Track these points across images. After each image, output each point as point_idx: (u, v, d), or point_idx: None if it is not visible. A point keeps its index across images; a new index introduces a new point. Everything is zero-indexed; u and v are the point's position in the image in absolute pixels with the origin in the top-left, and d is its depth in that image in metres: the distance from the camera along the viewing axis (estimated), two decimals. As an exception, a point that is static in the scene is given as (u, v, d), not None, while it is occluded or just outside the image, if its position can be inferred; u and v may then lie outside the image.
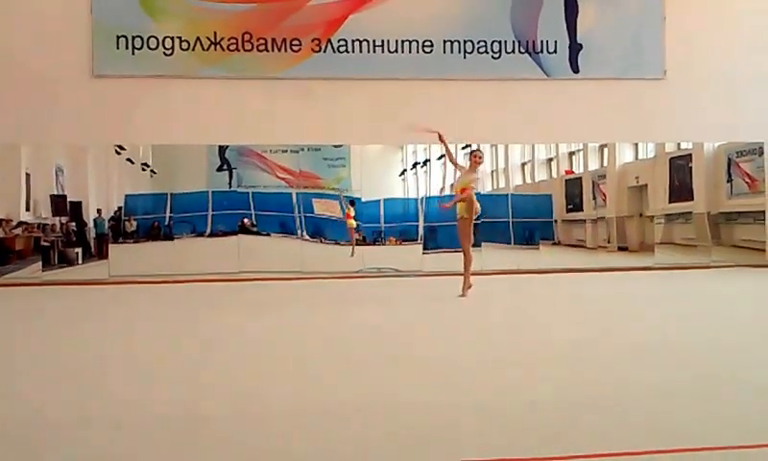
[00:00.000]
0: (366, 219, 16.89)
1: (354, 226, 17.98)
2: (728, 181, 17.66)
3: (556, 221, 19.98)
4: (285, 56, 14.73)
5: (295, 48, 14.74)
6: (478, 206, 10.67)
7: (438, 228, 18.78)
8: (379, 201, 17.20)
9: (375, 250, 16.69)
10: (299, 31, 14.73)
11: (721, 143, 17.22)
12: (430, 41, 14.83)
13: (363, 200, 16.83)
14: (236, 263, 15.25)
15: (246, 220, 16.00)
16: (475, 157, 10.83)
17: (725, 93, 15.45)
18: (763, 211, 16.11)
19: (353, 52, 14.77)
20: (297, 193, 16.16)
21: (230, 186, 16.13)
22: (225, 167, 16.10)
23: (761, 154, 16.13)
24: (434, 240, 18.53)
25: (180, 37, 14.63)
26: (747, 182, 17.12)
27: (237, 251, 15.50)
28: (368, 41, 14.77)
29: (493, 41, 14.95)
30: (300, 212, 16.19)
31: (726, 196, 17.72)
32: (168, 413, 4.36)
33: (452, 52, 14.90)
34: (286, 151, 16.08)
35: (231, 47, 14.67)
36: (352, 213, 18.01)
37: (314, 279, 14.79)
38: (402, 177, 18.99)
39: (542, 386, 4.81)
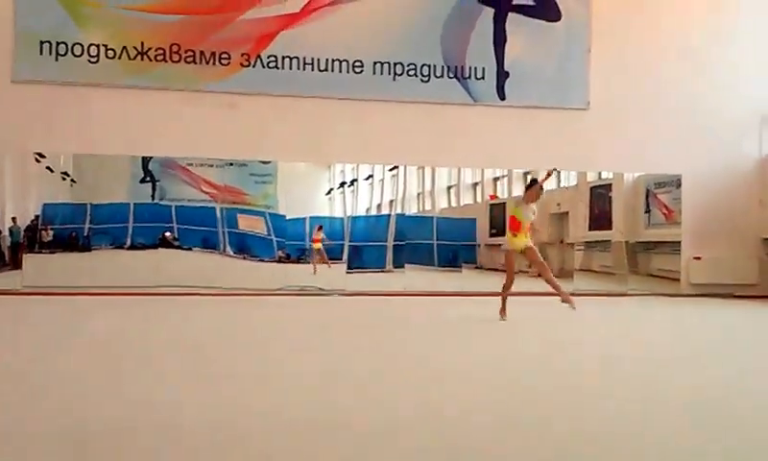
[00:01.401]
0: (291, 237, 16.79)
1: (319, 248, 17.89)
2: (646, 212, 18.13)
3: (479, 245, 20.24)
4: (213, 69, 14.60)
5: (224, 62, 14.62)
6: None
7: (363, 248, 18.81)
8: (305, 218, 17.17)
9: (299, 268, 16.58)
10: (228, 44, 14.62)
11: (640, 174, 17.67)
12: (360, 62, 14.89)
13: (287, 217, 16.73)
14: (155, 277, 14.95)
15: (168, 233, 15.73)
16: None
17: (645, 126, 15.89)
18: (679, 242, 16.56)
19: (283, 68, 14.72)
20: (221, 208, 15.96)
21: (153, 199, 15.85)
22: (148, 179, 15.82)
23: (679, 186, 16.60)
24: (359, 260, 18.54)
25: (105, 46, 14.36)
26: (664, 213, 17.60)
27: (157, 264, 15.22)
28: (298, 59, 14.75)
29: (423, 65, 15.09)
30: (223, 227, 16.00)
31: (644, 226, 18.19)
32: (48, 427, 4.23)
33: (382, 73, 14.99)
34: (212, 165, 15.89)
35: (159, 57, 14.47)
36: (321, 236, 17.94)
37: (234, 296, 14.57)
38: (329, 196, 18.96)
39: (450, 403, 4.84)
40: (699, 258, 16.13)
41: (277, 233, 16.55)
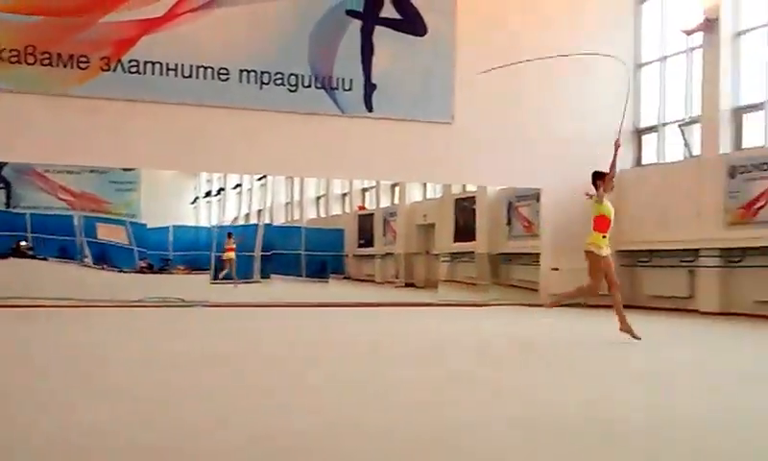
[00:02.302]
0: (153, 246, 16.38)
1: (233, 257, 17.44)
2: (507, 224, 18.70)
3: (347, 255, 20.36)
4: (72, 72, 14.05)
5: (82, 65, 14.10)
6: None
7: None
8: (168, 228, 16.77)
9: (161, 278, 16.20)
10: (87, 47, 14.11)
11: (502, 187, 18.18)
12: (226, 69, 14.68)
13: (149, 226, 16.33)
14: (5, 289, 14.21)
15: (22, 243, 15.04)
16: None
17: (507, 141, 16.33)
18: (539, 253, 17.10)
19: (145, 74, 14.33)
20: (79, 216, 15.39)
21: (8, 206, 15.15)
22: (2, 185, 15.11)
23: (539, 199, 17.15)
24: (224, 270, 18.30)
25: (-45, 44, 13.61)
26: (525, 226, 18.18)
27: (8, 275, 14.50)
28: (161, 64, 14.39)
29: (291, 74, 15.02)
30: (82, 236, 15.44)
31: (505, 238, 18.74)
32: None
33: (249, 82, 14.82)
34: (71, 172, 15.34)
35: (13, 59, 13.81)
36: (233, 245, 17.50)
37: (91, 308, 13.97)
38: (195, 204, 18.65)
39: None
40: (557, 269, 16.68)
41: (139, 243, 16.12)
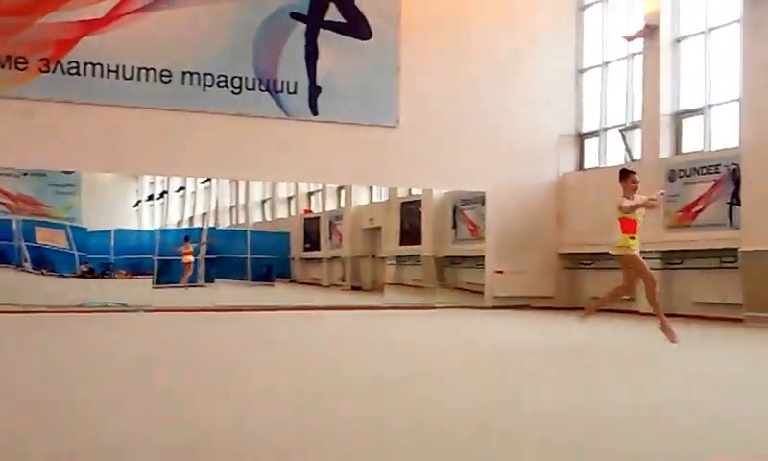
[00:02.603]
0: (94, 250, 16.07)
1: (191, 261, 17.17)
2: (453, 227, 18.77)
3: (293, 259, 20.24)
4: (9, 73, 13.75)
5: (20, 66, 13.81)
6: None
7: (172, 262, 18.32)
8: (110, 231, 16.50)
9: (103, 283, 15.89)
10: (26, 48, 13.82)
11: (448, 191, 18.27)
12: (168, 71, 14.50)
13: (90, 230, 16.01)
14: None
15: (-43, 247, 14.66)
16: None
17: (452, 144, 16.42)
18: (484, 256, 17.21)
19: (86, 75, 14.09)
20: (18, 220, 15.06)
21: (-57, 210, 14.75)
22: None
23: (483, 203, 17.27)
24: (167, 275, 18.05)
25: None
26: (470, 229, 18.27)
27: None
28: (101, 66, 14.16)
29: (234, 77, 14.90)
30: (20, 241, 15.10)
31: (451, 241, 18.81)
32: None
33: (191, 83, 14.67)
34: (8, 174, 14.99)
35: (-54, 59, 13.48)
36: (191, 249, 17.23)
37: (30, 313, 13.66)
38: (137, 208, 18.35)
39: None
40: (501, 272, 16.83)
41: (80, 247, 15.80)
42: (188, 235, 17.71)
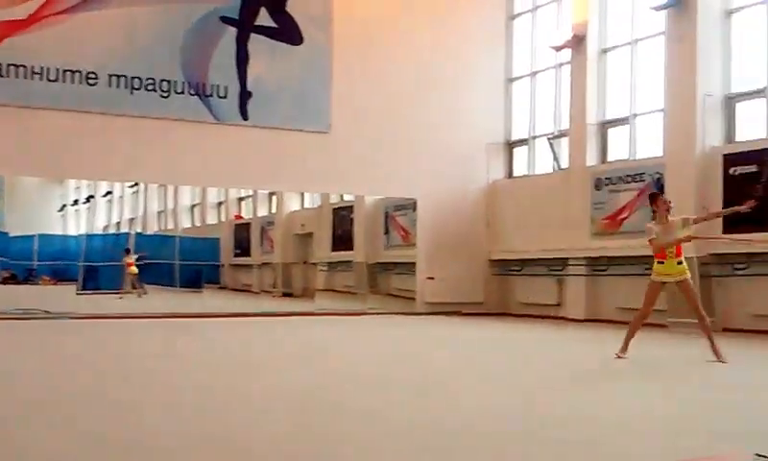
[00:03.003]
0: (16, 256, 15.65)
1: (135, 272, 16.86)
2: (385, 233, 18.83)
3: (223, 265, 20.05)
4: (-72, 74, 13.30)
5: (-60, 67, 13.36)
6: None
7: (99, 268, 17.98)
8: (33, 236, 16.09)
9: (26, 289, 15.50)
10: (-55, 48, 13.38)
11: (380, 197, 18.31)
12: (94, 73, 14.19)
13: (12, 235, 15.60)
14: None
15: None
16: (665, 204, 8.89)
17: (384, 151, 16.45)
18: (415, 262, 17.28)
19: (9, 77, 13.69)
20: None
21: None
22: None
23: (415, 209, 17.35)
24: (94, 281, 17.72)
25: None
26: (402, 235, 18.34)
27: None
28: (25, 67, 13.78)
29: (162, 80, 14.66)
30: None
31: (383, 247, 18.87)
32: None
33: (118, 86, 14.37)
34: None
35: None
36: (132, 259, 16.89)
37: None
38: (62, 212, 17.96)
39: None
40: (432, 278, 16.91)
41: (2, 253, 15.38)
42: (129, 248, 17.52)
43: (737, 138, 13.17)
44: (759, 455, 4.11)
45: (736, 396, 6.55)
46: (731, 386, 7.13)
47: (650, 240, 8.83)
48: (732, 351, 8.70)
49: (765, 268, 11.45)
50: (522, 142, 17.60)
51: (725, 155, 12.90)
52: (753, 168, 12.44)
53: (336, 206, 19.18)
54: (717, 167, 12.96)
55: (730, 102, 13.23)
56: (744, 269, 12.52)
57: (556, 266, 15.97)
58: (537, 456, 4.38)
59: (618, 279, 14.67)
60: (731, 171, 12.75)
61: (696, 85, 13.06)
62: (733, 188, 12.28)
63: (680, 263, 8.63)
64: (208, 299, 17.73)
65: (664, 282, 8.78)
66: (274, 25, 15.41)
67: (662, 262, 8.68)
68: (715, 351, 8.40)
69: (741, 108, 13.19)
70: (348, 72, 15.99)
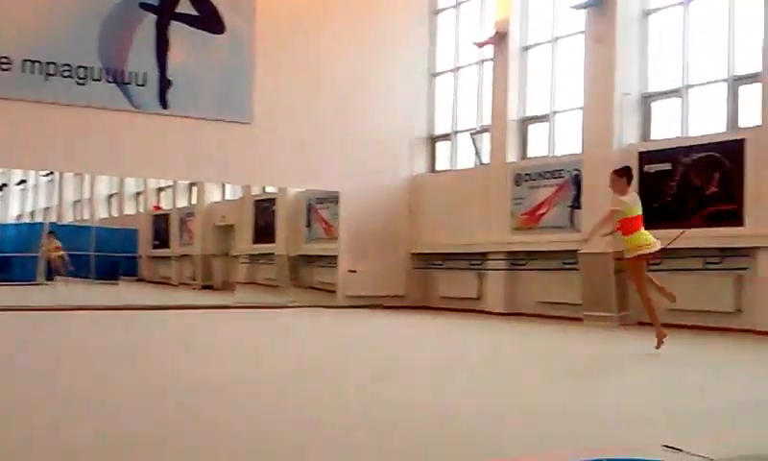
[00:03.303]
0: None
1: (60, 256, 16.26)
2: (307, 226, 18.73)
3: (141, 256, 19.63)
4: None
5: None
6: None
7: (12, 259, 17.43)
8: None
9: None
10: None
11: (302, 189, 18.21)
12: (7, 58, 13.69)
13: None
14: None
15: None
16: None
17: (307, 143, 16.34)
18: (336, 256, 17.23)
19: None
20: None
21: None
22: None
23: (337, 202, 17.30)
24: (6, 272, 17.16)
25: None
26: (324, 228, 18.29)
27: None
28: (-70, 50, 13.24)
29: (79, 66, 14.24)
30: None
31: (305, 240, 18.78)
32: None
33: (33, 72, 13.91)
34: None
35: None
36: (57, 243, 16.31)
37: None
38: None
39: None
40: (354, 271, 16.90)
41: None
42: (53, 230, 17.00)
43: (653, 137, 13.50)
44: (667, 446, 4.21)
45: (648, 386, 6.71)
46: (647, 378, 7.30)
47: (613, 210, 8.80)
48: (649, 342, 8.91)
49: (679, 263, 11.74)
50: (445, 137, 17.72)
51: (641, 152, 13.22)
52: (667, 166, 12.82)
53: (258, 198, 18.99)
54: (633, 164, 13.23)
55: (646, 101, 13.56)
56: (658, 264, 12.84)
57: (476, 260, 16.14)
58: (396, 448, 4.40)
59: (537, 274, 14.91)
60: (646, 168, 13.07)
61: (614, 84, 13.34)
62: (649, 185, 12.60)
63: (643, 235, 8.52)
64: (125, 291, 17.33)
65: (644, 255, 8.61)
66: (195, 13, 15.14)
67: (632, 235, 8.57)
68: (658, 334, 8.50)
69: (657, 107, 13.53)
70: (271, 63, 15.82)
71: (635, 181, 12.94)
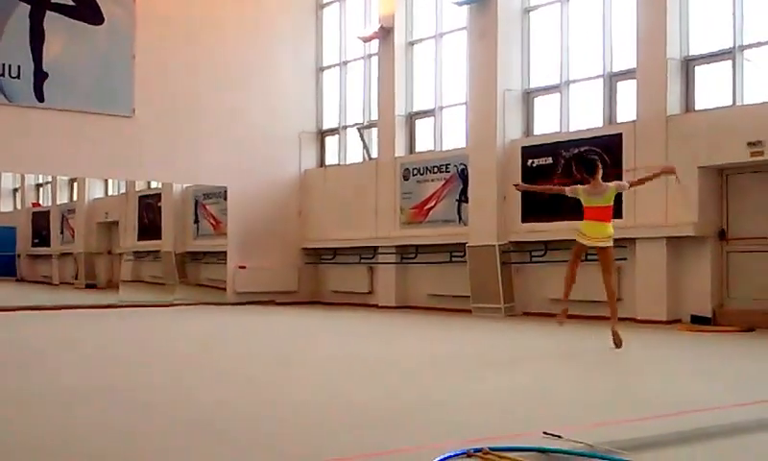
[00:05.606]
0: None
1: None
2: (195, 222, 18.36)
3: (20, 255, 18.87)
4: None
5: None
6: None
7: None
8: None
9: None
10: None
11: (189, 185, 17.83)
12: None
13: None
14: None
15: None
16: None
17: (192, 137, 16.03)
18: (226, 252, 16.97)
19: None
20: None
21: None
22: None
23: (225, 197, 17.02)
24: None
25: None
26: (212, 224, 17.96)
27: None
28: None
29: (-52, 57, 13.56)
30: None
31: (193, 236, 18.39)
32: None
33: None
34: None
35: None
36: None
37: None
38: None
39: None
40: (244, 268, 16.70)
41: None
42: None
43: (535, 132, 13.82)
44: (547, 433, 4.31)
45: (530, 379, 6.86)
46: (530, 369, 7.46)
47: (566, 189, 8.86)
48: (535, 333, 9.10)
49: (560, 255, 12.04)
50: (333, 131, 17.68)
51: (523, 147, 13.52)
52: (549, 160, 13.15)
53: (142, 194, 18.49)
54: (516, 159, 13.56)
55: (528, 97, 13.87)
56: (541, 256, 13.18)
57: (367, 254, 16.19)
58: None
59: (426, 267, 15.07)
60: (528, 163, 13.39)
61: (497, 80, 13.58)
62: (531, 179, 12.90)
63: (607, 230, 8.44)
64: (1, 291, 16.61)
65: (587, 246, 8.58)
66: (71, 3, 14.60)
67: (590, 223, 8.46)
68: (614, 333, 8.37)
69: (539, 102, 13.86)
70: (152, 55, 15.42)
71: (518, 175, 13.35)
